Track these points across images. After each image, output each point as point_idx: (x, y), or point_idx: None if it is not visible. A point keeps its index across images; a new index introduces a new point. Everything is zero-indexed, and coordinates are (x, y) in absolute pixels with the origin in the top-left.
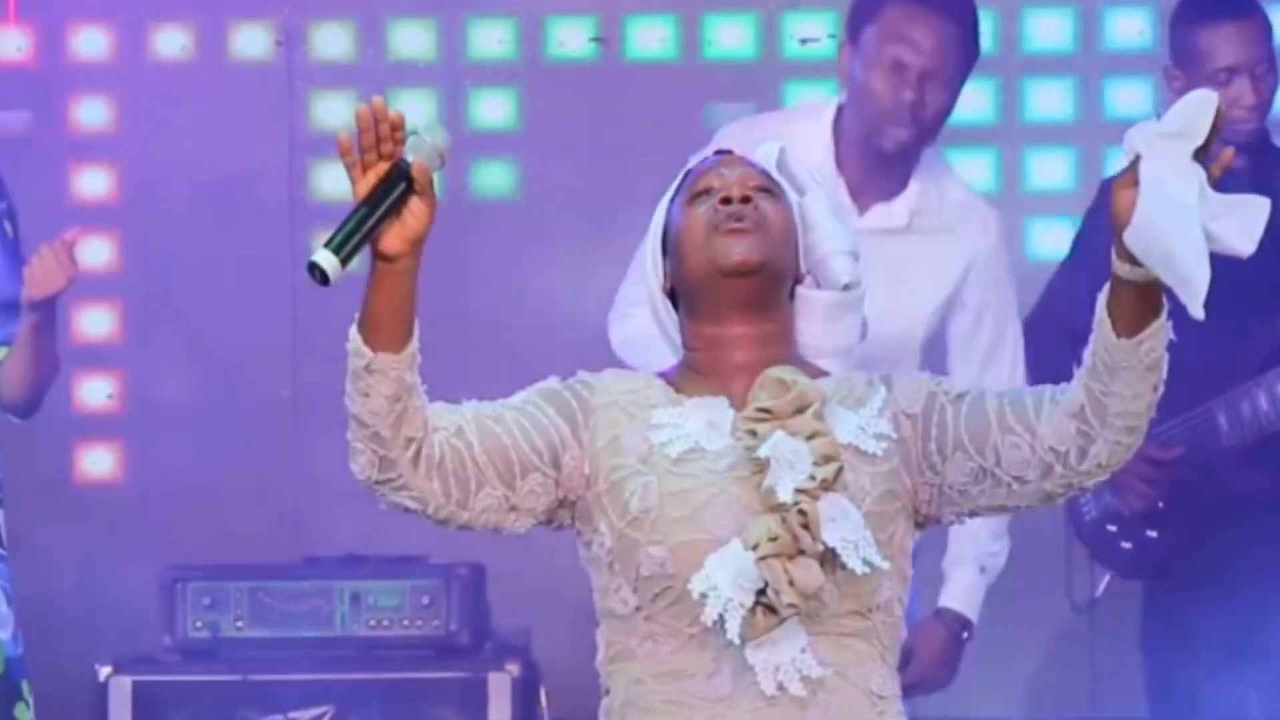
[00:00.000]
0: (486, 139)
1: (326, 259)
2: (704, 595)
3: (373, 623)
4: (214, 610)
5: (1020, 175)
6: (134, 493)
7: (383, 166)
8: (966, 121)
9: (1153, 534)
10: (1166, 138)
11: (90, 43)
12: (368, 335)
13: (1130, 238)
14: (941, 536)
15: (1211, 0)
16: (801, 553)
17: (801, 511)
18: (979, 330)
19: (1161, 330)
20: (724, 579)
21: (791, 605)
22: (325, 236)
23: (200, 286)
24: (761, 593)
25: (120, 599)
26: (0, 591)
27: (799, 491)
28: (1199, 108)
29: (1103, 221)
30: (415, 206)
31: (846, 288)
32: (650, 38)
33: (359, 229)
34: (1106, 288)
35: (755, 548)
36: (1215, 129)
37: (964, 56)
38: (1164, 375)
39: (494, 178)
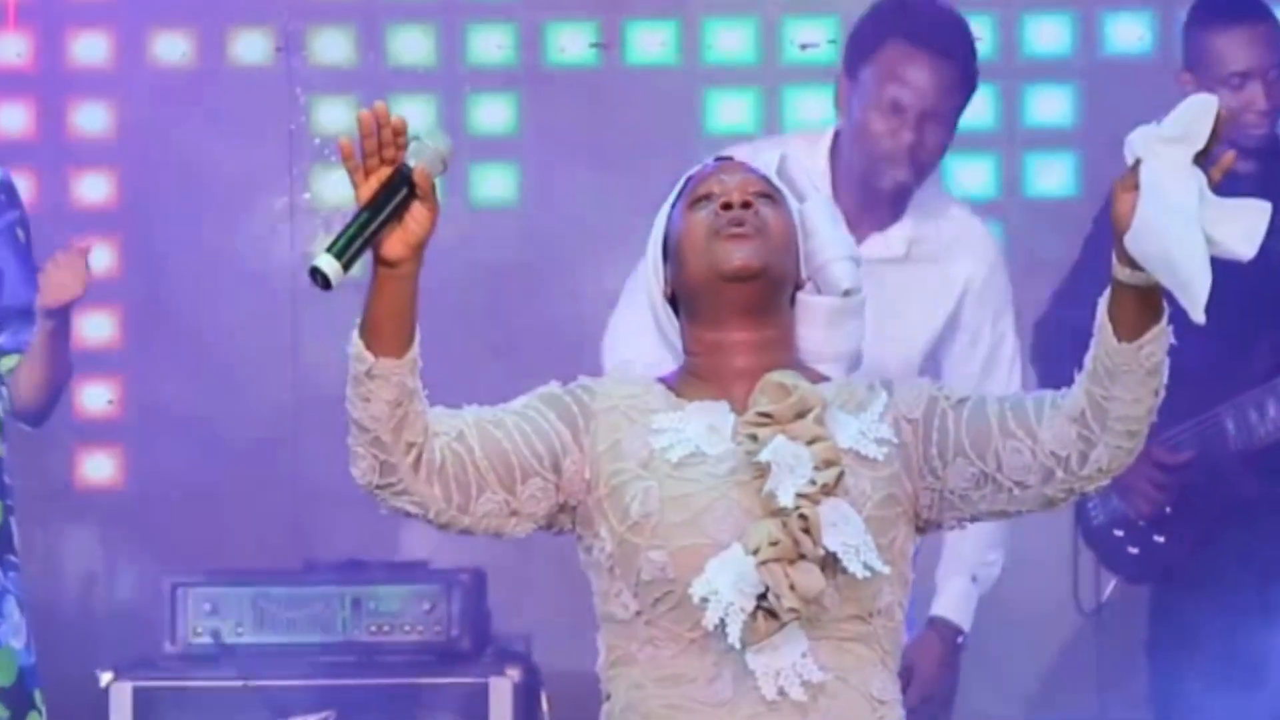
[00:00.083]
0: (486, 144)
1: (328, 263)
2: (705, 600)
3: (374, 628)
4: (215, 616)
5: (1020, 180)
6: (135, 498)
7: (385, 171)
8: (966, 127)
9: (1160, 539)
10: (1167, 142)
11: (90, 48)
12: (369, 340)
13: (1131, 242)
14: (937, 547)
15: (1225, 5)
16: (802, 557)
17: (802, 516)
18: (975, 346)
19: (1162, 334)
20: (725, 583)
21: (792, 610)
22: (325, 241)
23: (200, 292)
24: (762, 597)
25: (121, 604)
26: (14, 599)
27: (800, 496)
28: (1199, 112)
29: None
30: (417, 211)
31: (847, 293)
32: (650, 42)
33: (361, 234)
34: (1107, 292)
35: (756, 552)
36: (1215, 133)
37: (962, 93)
38: (1165, 380)
39: (494, 183)
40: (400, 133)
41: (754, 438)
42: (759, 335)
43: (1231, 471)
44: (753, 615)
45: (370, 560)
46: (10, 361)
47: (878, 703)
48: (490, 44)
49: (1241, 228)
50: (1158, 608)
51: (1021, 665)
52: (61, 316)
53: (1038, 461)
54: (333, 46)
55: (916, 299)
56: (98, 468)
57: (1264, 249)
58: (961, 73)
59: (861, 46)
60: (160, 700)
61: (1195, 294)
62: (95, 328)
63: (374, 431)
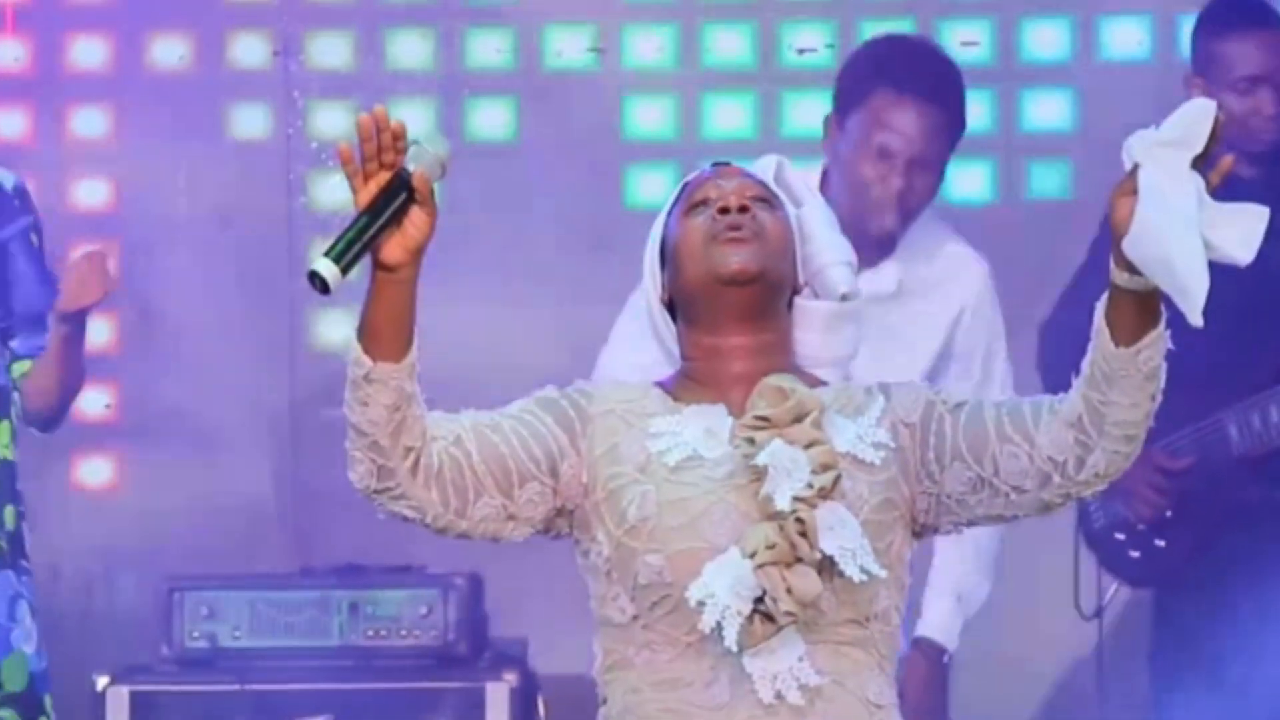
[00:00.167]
0: (485, 148)
1: (327, 268)
2: (701, 603)
3: (371, 633)
4: (212, 620)
5: (1019, 184)
6: (132, 502)
7: (384, 176)
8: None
9: (1160, 543)
10: (1165, 146)
11: (88, 52)
12: (367, 344)
13: (1129, 246)
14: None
15: (1235, 9)
16: (799, 561)
17: (799, 519)
18: (967, 376)
19: (1160, 339)
20: (722, 587)
21: (789, 613)
22: (323, 246)
23: (198, 296)
24: (759, 601)
25: (118, 608)
26: (26, 604)
27: (797, 499)
28: (1197, 116)
29: None
30: (416, 216)
31: (844, 298)
32: (648, 47)
33: (359, 238)
34: (1105, 296)
35: (753, 556)
36: (1214, 137)
37: (951, 138)
38: (1162, 384)
39: (494, 186)
40: (399, 137)
41: (751, 441)
42: (756, 340)
43: (1233, 476)
44: (749, 619)
45: (367, 564)
46: (24, 367)
47: (875, 707)
48: (489, 48)
49: (1239, 232)
50: (1159, 612)
51: (1022, 668)
52: (77, 321)
53: (1035, 466)
54: (331, 51)
55: (908, 334)
56: (95, 472)
57: (1268, 254)
58: (950, 119)
59: (850, 92)
60: (157, 704)
61: (1193, 298)
62: (93, 332)
63: (372, 436)
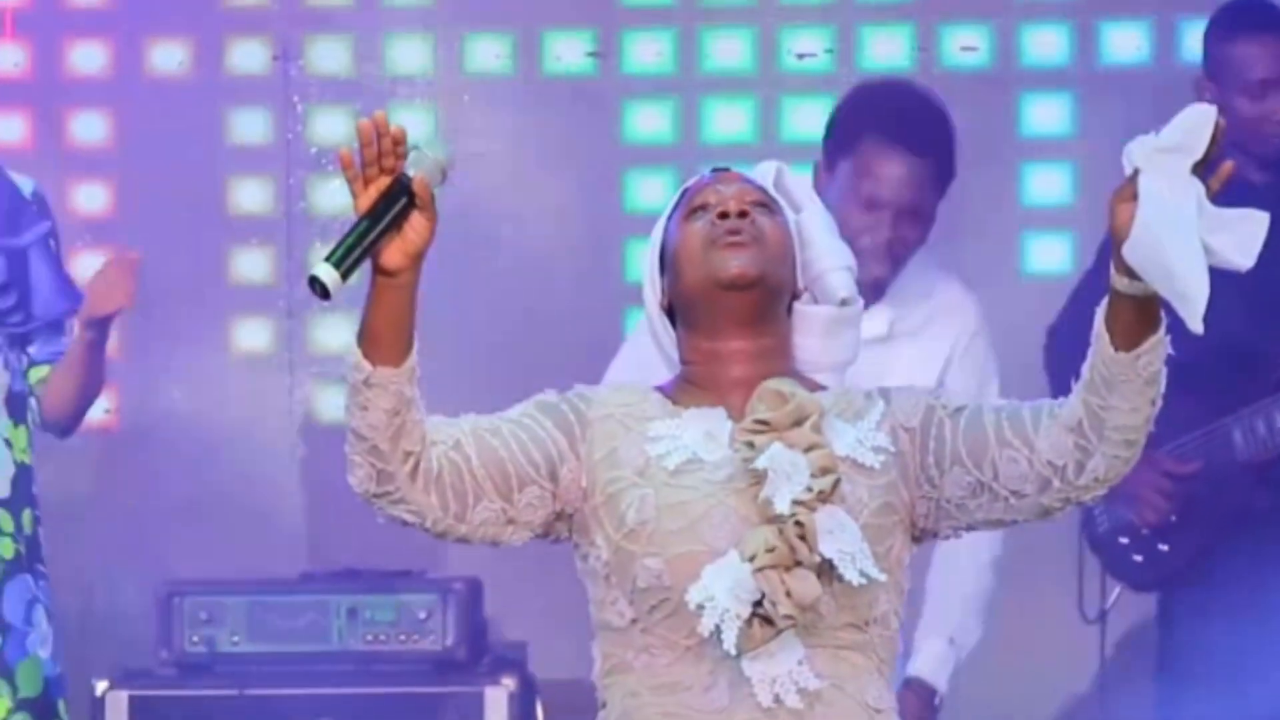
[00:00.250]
0: (484, 152)
1: (327, 273)
2: (700, 606)
3: (370, 637)
4: (211, 625)
5: (1018, 190)
6: (131, 507)
7: (384, 181)
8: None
9: (1164, 547)
10: (1165, 152)
11: (88, 57)
12: (367, 349)
13: (1129, 251)
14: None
15: (1247, 13)
16: (798, 564)
17: (799, 523)
18: None
19: (1160, 344)
20: (721, 590)
21: (788, 617)
22: (322, 251)
23: (197, 301)
24: (758, 604)
25: (117, 613)
26: (43, 609)
27: (796, 503)
28: (1197, 122)
29: None
30: (416, 221)
31: (844, 303)
32: (647, 52)
33: (360, 243)
34: (1105, 301)
35: (752, 559)
36: (1214, 143)
37: (940, 185)
38: (1162, 389)
39: (493, 190)
40: (400, 142)
41: (751, 445)
42: (756, 344)
43: (1237, 482)
44: (748, 622)
45: (366, 569)
46: (41, 372)
47: (874, 711)
48: (488, 53)
49: (1239, 238)
50: (1162, 616)
51: (1025, 671)
52: (103, 327)
53: (1034, 471)
54: (330, 56)
55: (899, 374)
56: (95, 477)
57: (1275, 260)
58: (938, 167)
59: (839, 139)
60: (156, 709)
61: (1193, 304)
62: None
63: (371, 440)
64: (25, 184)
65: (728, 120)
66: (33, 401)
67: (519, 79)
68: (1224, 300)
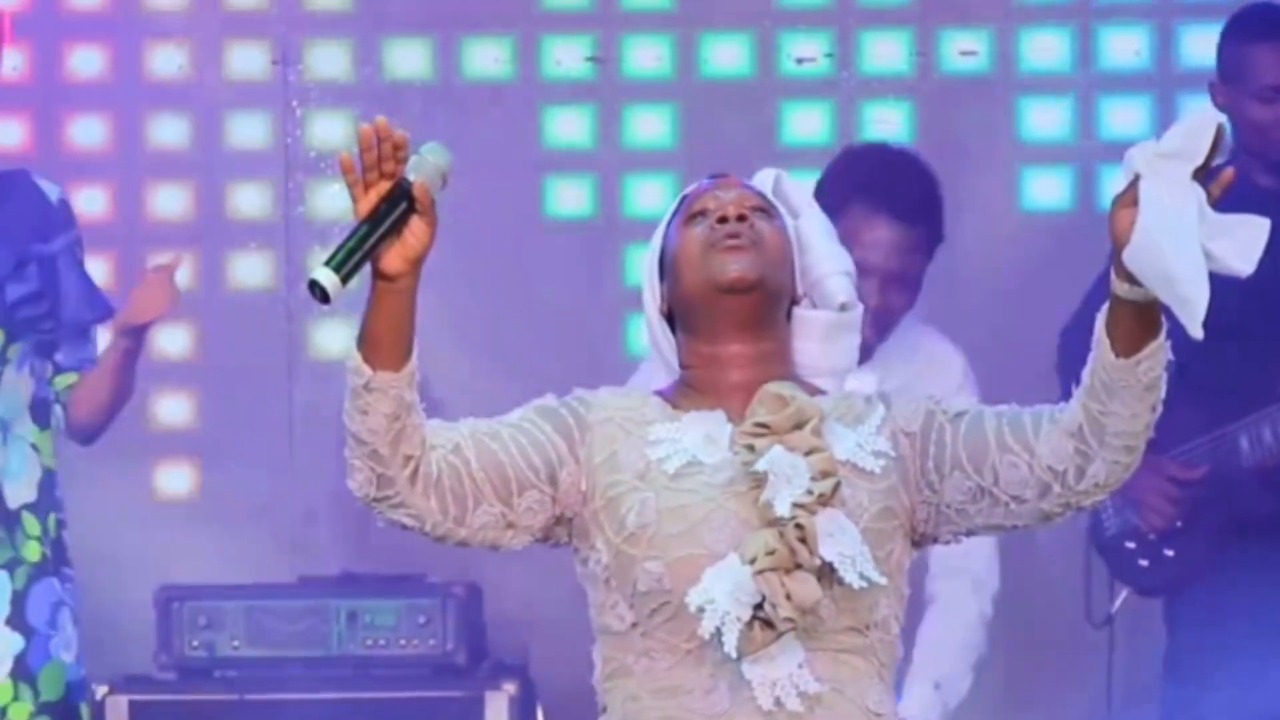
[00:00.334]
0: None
1: (327, 277)
2: (701, 609)
3: (369, 642)
4: (210, 629)
5: (1017, 193)
6: (130, 511)
7: (384, 185)
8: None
9: (1169, 552)
10: (1166, 157)
11: (87, 61)
12: (367, 353)
13: (1129, 257)
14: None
15: (1262, 18)
16: (799, 567)
17: (799, 526)
18: None
19: (1160, 350)
20: (721, 593)
21: (789, 619)
22: (321, 255)
23: (196, 305)
24: (759, 607)
25: (116, 617)
26: (68, 612)
27: (796, 506)
28: (1198, 127)
29: None
30: (416, 226)
31: (843, 308)
32: (647, 56)
33: (360, 247)
34: (1105, 307)
35: (752, 562)
36: (1215, 148)
37: (928, 250)
38: (1163, 395)
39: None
40: (400, 147)
41: (751, 448)
42: (755, 348)
43: (1244, 488)
44: (749, 625)
45: (365, 574)
46: (69, 379)
47: (874, 715)
48: (487, 57)
49: (1240, 244)
50: (1169, 620)
51: (1032, 675)
52: (139, 335)
53: (1034, 476)
54: (329, 60)
55: None
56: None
57: None
58: (927, 233)
59: (826, 204)
60: (155, 714)
61: (1193, 310)
62: None
63: (371, 444)
64: (52, 190)
65: (728, 125)
66: (57, 408)
67: (518, 83)
68: (1231, 306)
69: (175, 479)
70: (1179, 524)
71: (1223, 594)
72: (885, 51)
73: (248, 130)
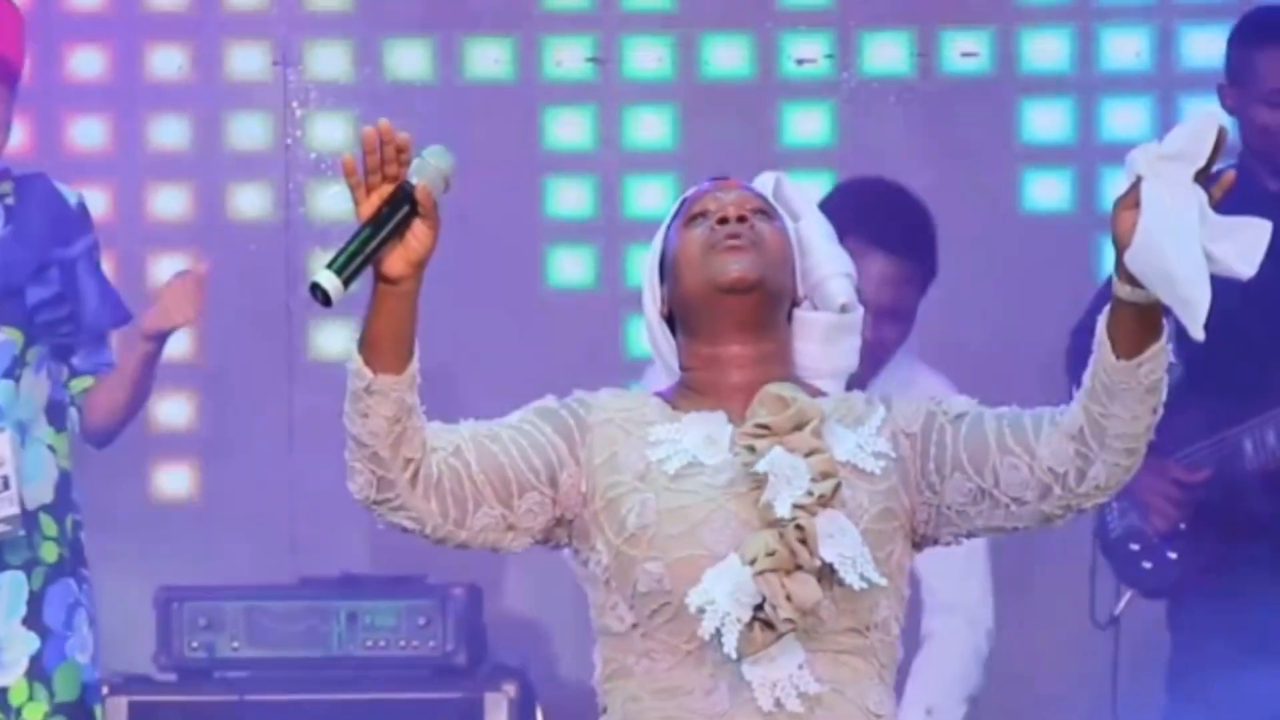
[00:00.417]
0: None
1: (329, 279)
2: (701, 610)
3: (369, 643)
4: (210, 630)
5: (1018, 195)
6: (130, 512)
7: (387, 188)
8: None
9: (1173, 555)
10: (1167, 159)
11: (87, 62)
12: (368, 356)
13: (1130, 259)
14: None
15: (1270, 22)
16: (799, 568)
17: (799, 527)
18: None
19: (1161, 352)
20: (721, 593)
21: (789, 620)
22: (321, 256)
23: None
24: (759, 608)
25: (116, 619)
26: (84, 613)
27: (797, 507)
28: (1200, 130)
29: None
30: (418, 229)
31: (844, 309)
32: (647, 58)
33: (362, 250)
34: (1107, 309)
35: (753, 563)
36: (1217, 151)
37: (921, 285)
38: (1164, 398)
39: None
40: (403, 150)
41: (752, 449)
42: (756, 349)
43: (1247, 491)
44: (749, 626)
45: (365, 575)
46: (85, 383)
47: (874, 716)
48: (487, 58)
49: (1241, 246)
50: (1172, 622)
51: (1036, 676)
52: (163, 340)
53: (1035, 478)
54: (329, 61)
55: None
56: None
57: None
58: (920, 267)
59: None
60: (155, 715)
61: (1195, 312)
62: None
63: (372, 447)
64: (70, 195)
65: (727, 127)
66: (72, 411)
67: (518, 84)
68: (1235, 308)
69: (175, 480)
70: (1182, 526)
71: (1225, 597)
72: (886, 53)
73: (248, 131)
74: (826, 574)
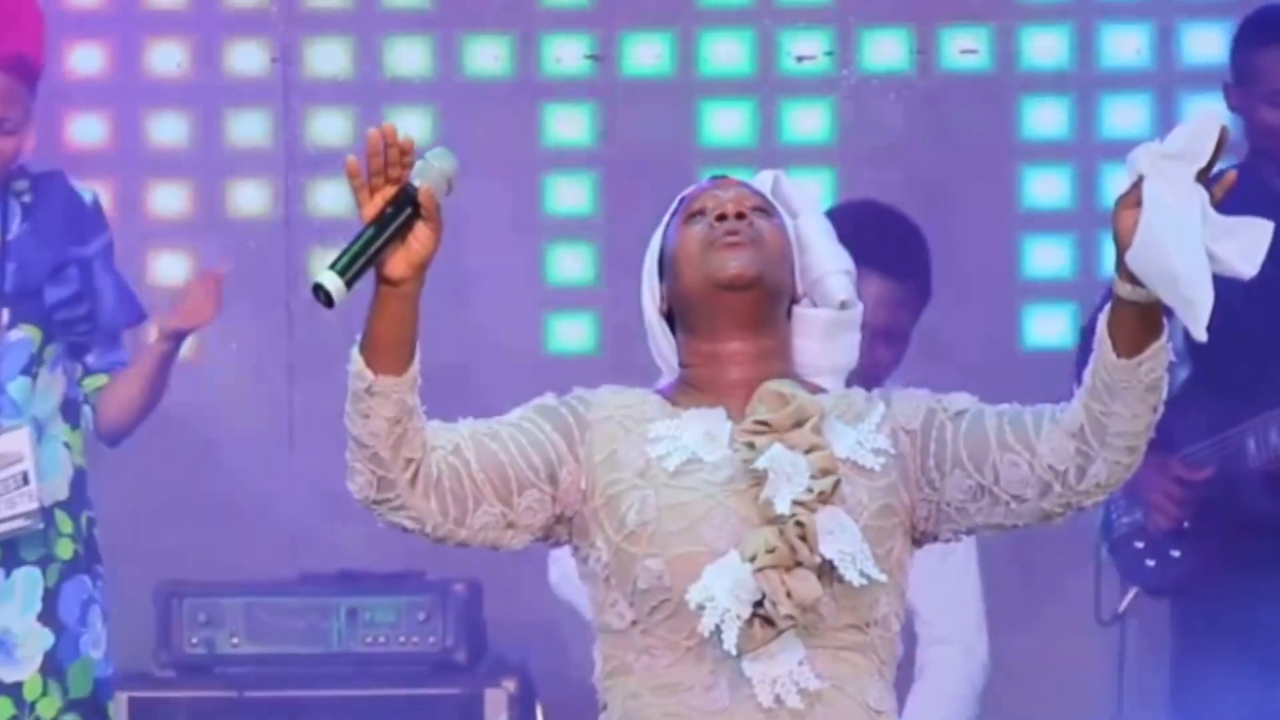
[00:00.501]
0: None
1: (331, 280)
2: (701, 606)
3: (369, 639)
4: (210, 626)
5: (1018, 193)
6: (130, 508)
7: (390, 190)
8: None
9: (1176, 553)
10: (1169, 159)
11: (86, 59)
12: (370, 357)
13: (1132, 258)
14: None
15: (1272, 21)
16: (799, 565)
17: (799, 523)
18: None
19: (1161, 351)
20: (721, 590)
21: (789, 617)
22: (321, 254)
23: None
24: (759, 604)
25: (116, 615)
26: (98, 609)
27: (796, 504)
28: (1202, 129)
29: None
30: (420, 231)
31: (843, 306)
32: (646, 54)
33: (364, 251)
34: (1108, 308)
35: (753, 559)
36: (1219, 150)
37: (915, 307)
38: (1164, 396)
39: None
40: (407, 152)
41: (751, 445)
42: (755, 346)
43: (1250, 489)
44: (749, 622)
45: (365, 571)
46: (98, 381)
47: (874, 712)
48: (487, 55)
49: (1242, 246)
50: (1176, 620)
51: (1041, 674)
52: (180, 340)
53: (1035, 475)
54: (329, 58)
55: None
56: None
57: None
58: (915, 289)
59: None
60: (155, 711)
61: (1197, 311)
62: None
63: (372, 448)
64: (85, 192)
65: (726, 123)
66: (86, 408)
67: (518, 81)
68: (1237, 308)
69: (175, 476)
70: (1186, 525)
71: (1228, 596)
72: (886, 50)
73: (248, 128)
74: (826, 570)
